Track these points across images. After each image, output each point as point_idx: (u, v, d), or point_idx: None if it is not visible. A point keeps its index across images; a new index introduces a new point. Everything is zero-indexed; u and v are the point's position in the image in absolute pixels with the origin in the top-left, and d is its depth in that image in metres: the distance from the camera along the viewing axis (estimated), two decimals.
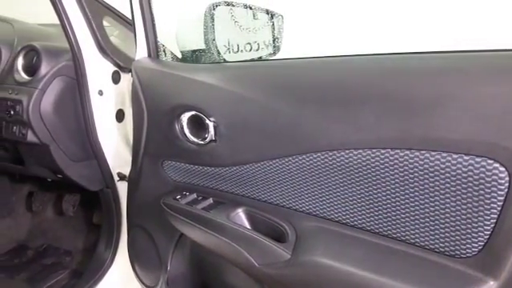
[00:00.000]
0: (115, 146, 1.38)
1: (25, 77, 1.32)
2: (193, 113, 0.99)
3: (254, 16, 1.17)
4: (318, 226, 0.86)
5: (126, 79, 1.36)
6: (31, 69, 1.32)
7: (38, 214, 2.03)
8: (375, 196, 0.77)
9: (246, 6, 1.15)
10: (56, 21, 1.24)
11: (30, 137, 1.30)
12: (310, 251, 0.81)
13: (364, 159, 0.76)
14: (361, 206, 0.80)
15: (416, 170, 0.71)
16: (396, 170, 0.73)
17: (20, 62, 1.35)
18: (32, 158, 1.44)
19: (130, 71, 1.21)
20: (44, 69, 1.29)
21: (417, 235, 0.75)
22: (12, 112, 1.28)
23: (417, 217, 0.74)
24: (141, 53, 1.15)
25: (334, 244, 0.82)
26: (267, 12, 1.15)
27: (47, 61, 1.30)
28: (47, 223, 2.01)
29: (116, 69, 1.34)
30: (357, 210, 0.81)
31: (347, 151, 0.77)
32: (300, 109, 0.83)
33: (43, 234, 1.99)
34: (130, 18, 1.15)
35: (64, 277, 1.72)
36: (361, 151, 0.76)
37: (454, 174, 0.68)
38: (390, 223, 0.77)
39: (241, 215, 0.96)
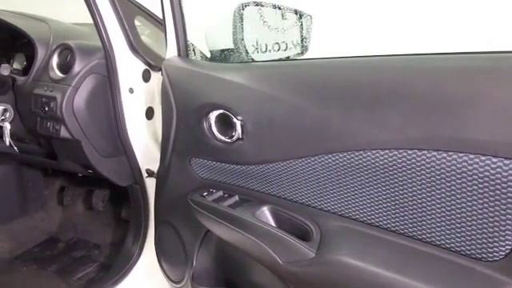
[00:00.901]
0: (144, 142, 1.41)
1: (59, 74, 1.36)
2: (221, 111, 1.01)
3: (282, 16, 1.18)
4: (342, 225, 0.86)
5: (156, 78, 1.38)
6: (65, 66, 1.35)
7: (69, 208, 2.08)
8: (401, 197, 0.77)
9: (274, 6, 1.15)
10: (88, 20, 1.28)
11: (63, 132, 1.33)
12: (335, 250, 0.82)
13: (390, 159, 0.76)
14: (386, 206, 0.80)
15: (443, 171, 0.70)
16: (423, 171, 0.73)
17: (55, 59, 1.39)
18: (64, 153, 1.48)
19: (160, 70, 1.23)
20: (77, 67, 1.32)
21: (442, 237, 0.74)
22: (46, 108, 1.32)
23: (443, 218, 0.73)
24: (171, 52, 1.17)
25: (359, 244, 0.82)
26: (296, 12, 1.16)
27: (81, 59, 1.33)
28: (77, 217, 2.06)
29: (146, 67, 1.37)
30: (382, 211, 0.80)
31: (374, 151, 0.77)
32: (327, 108, 0.83)
33: (73, 228, 2.04)
34: (161, 17, 1.18)
35: (92, 270, 1.77)
36: (387, 151, 0.76)
37: (481, 176, 0.67)
38: (415, 224, 0.77)
39: (266, 213, 0.97)
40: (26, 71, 1.49)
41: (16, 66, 1.57)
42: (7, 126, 1.46)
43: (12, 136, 1.48)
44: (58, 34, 1.47)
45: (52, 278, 1.74)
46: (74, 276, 1.73)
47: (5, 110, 1.46)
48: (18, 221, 1.95)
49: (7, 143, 1.48)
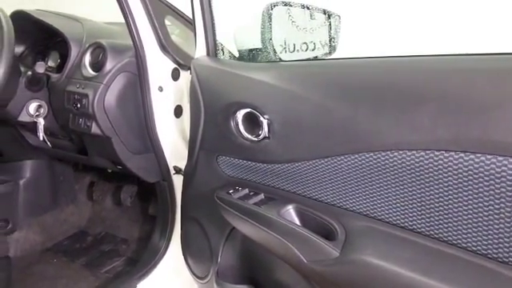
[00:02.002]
0: (172, 140, 1.43)
1: (91, 72, 1.40)
2: (248, 110, 1.02)
3: (311, 16, 1.18)
4: (367, 225, 0.86)
5: (185, 76, 1.40)
6: (97, 65, 1.39)
7: (98, 203, 2.13)
8: (427, 198, 0.76)
9: (303, 6, 1.16)
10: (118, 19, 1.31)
11: (94, 129, 1.36)
12: (359, 250, 0.82)
13: (417, 160, 0.75)
14: (412, 207, 0.79)
15: (470, 173, 0.70)
16: (450, 173, 0.72)
17: (87, 58, 1.42)
18: (95, 149, 1.52)
19: (189, 69, 1.25)
20: (109, 65, 1.35)
21: (469, 239, 0.73)
22: (79, 105, 1.36)
23: (469, 221, 0.72)
24: (200, 51, 1.19)
25: (384, 244, 0.82)
26: (324, 12, 1.16)
27: (112, 57, 1.36)
28: (106, 212, 2.11)
29: (176, 66, 1.39)
30: (408, 212, 0.80)
31: (401, 152, 0.77)
32: (354, 108, 0.83)
33: (102, 222, 2.09)
34: (191, 17, 1.19)
35: (120, 263, 1.81)
36: (414, 152, 0.75)
37: (510, 178, 0.66)
38: (441, 226, 0.76)
39: (291, 212, 0.97)
40: (59, 69, 1.53)
41: (50, 63, 1.61)
42: (41, 121, 1.50)
43: (45, 131, 1.53)
44: (90, 32, 1.50)
45: (81, 270, 1.78)
46: (102, 269, 1.77)
47: (39, 106, 1.50)
48: (49, 214, 2.00)
49: (41, 138, 1.52)
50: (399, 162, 0.78)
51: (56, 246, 1.96)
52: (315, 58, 1.17)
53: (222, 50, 1.19)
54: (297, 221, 0.96)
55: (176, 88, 1.41)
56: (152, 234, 1.60)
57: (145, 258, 1.56)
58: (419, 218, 0.79)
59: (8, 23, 1.30)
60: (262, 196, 1.04)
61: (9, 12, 1.42)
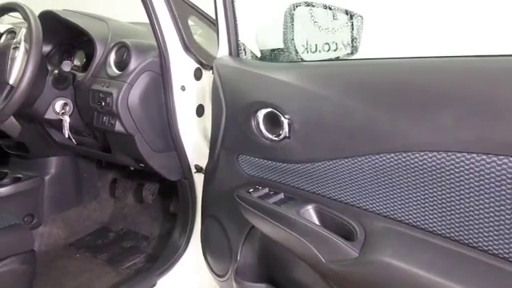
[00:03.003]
0: (194, 139, 1.45)
1: (116, 71, 1.42)
2: (269, 110, 1.02)
3: (333, 16, 1.18)
4: (387, 226, 0.86)
5: (208, 76, 1.41)
6: (122, 64, 1.41)
7: (120, 200, 2.16)
8: (448, 200, 0.76)
9: (325, 7, 1.16)
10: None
11: (118, 127, 1.39)
12: (379, 251, 0.82)
13: (439, 162, 0.75)
14: (433, 209, 0.79)
15: (493, 175, 0.69)
16: (471, 175, 0.72)
17: (112, 57, 1.44)
18: (118, 147, 1.55)
19: (211, 68, 1.27)
20: (133, 64, 1.37)
21: (490, 242, 0.72)
22: (103, 103, 1.38)
23: (491, 224, 0.72)
24: (222, 51, 1.20)
25: (403, 245, 0.81)
26: (346, 12, 1.16)
27: (136, 57, 1.38)
28: (128, 209, 2.14)
29: (198, 66, 1.41)
30: (428, 213, 0.80)
31: (422, 153, 0.77)
32: (375, 109, 0.83)
33: (124, 219, 2.12)
34: (214, 17, 1.21)
35: (140, 260, 1.83)
36: (436, 154, 0.75)
37: None
38: (462, 228, 0.75)
39: (310, 211, 0.97)
40: (85, 68, 1.56)
41: (76, 62, 1.64)
42: (67, 119, 1.53)
43: (70, 129, 1.55)
44: (115, 32, 1.53)
45: (102, 265, 1.82)
46: (123, 265, 1.79)
47: (65, 104, 1.53)
48: (73, 210, 2.04)
49: (66, 135, 1.55)
50: (420, 163, 0.77)
51: (79, 241, 2.00)
52: (337, 59, 1.17)
53: (244, 49, 1.20)
54: (316, 221, 0.97)
55: (198, 87, 1.42)
56: (172, 231, 1.62)
57: (165, 254, 1.58)
58: (440, 219, 0.78)
59: (36, 23, 1.33)
60: (281, 195, 1.05)
61: (37, 12, 1.45)
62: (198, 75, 1.41)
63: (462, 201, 0.74)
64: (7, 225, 1.17)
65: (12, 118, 1.66)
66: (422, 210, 0.80)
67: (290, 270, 1.14)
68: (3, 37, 1.73)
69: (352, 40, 1.16)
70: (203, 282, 1.49)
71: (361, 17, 1.13)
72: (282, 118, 0.99)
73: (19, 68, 1.35)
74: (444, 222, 0.78)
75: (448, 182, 0.75)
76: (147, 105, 1.40)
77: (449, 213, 0.77)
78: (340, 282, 0.92)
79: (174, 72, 1.36)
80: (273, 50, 1.21)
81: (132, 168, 1.84)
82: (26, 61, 1.31)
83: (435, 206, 0.78)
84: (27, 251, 1.20)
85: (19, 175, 1.90)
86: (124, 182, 2.17)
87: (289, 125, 0.98)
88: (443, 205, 0.77)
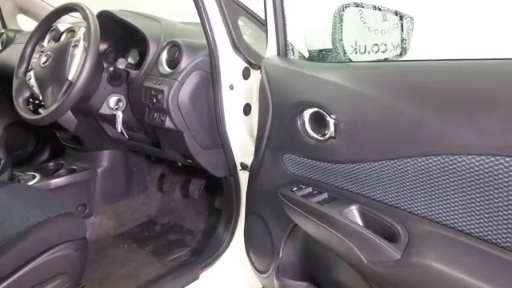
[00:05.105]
0: (240, 137, 1.47)
1: (167, 69, 1.46)
2: (315, 109, 1.03)
3: (383, 17, 1.17)
4: (431, 230, 0.85)
5: (255, 75, 1.44)
6: (173, 62, 1.45)
7: (167, 194, 2.22)
8: (495, 205, 0.74)
9: (375, 8, 1.15)
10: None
11: (168, 123, 1.43)
12: (422, 254, 0.81)
13: (487, 166, 0.73)
14: (479, 214, 0.77)
15: None
16: None
17: (164, 55, 1.49)
18: (167, 143, 1.59)
19: (259, 68, 1.29)
20: (184, 63, 1.41)
21: None
22: (154, 100, 1.42)
23: None
24: (271, 51, 1.22)
25: (447, 249, 0.80)
26: (396, 13, 1.15)
27: (187, 56, 1.42)
28: (174, 203, 2.20)
29: (247, 65, 1.43)
30: (474, 218, 0.78)
31: (469, 157, 0.76)
32: (422, 111, 0.82)
33: (170, 213, 2.18)
34: (263, 18, 1.23)
35: (185, 253, 1.88)
36: (483, 157, 0.74)
37: None
38: (509, 235, 0.73)
39: (354, 212, 0.97)
40: (138, 65, 1.61)
41: (130, 60, 1.69)
42: (120, 114, 1.58)
43: (123, 124, 1.60)
44: (168, 32, 1.57)
45: (148, 257, 1.87)
46: (168, 257, 1.84)
47: (119, 100, 1.58)
48: (122, 202, 2.11)
49: (119, 130, 1.61)
50: (467, 166, 0.76)
51: (127, 232, 2.08)
52: (385, 60, 1.16)
53: (293, 50, 1.21)
54: (359, 221, 0.97)
55: (246, 86, 1.44)
56: (217, 226, 1.65)
57: (209, 249, 1.62)
58: (486, 225, 0.77)
59: (95, 22, 1.39)
60: (325, 195, 1.05)
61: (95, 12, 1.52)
62: (246, 74, 1.44)
63: (510, 206, 0.73)
64: (62, 212, 1.24)
65: (69, 112, 1.74)
66: (468, 214, 0.79)
67: (331, 269, 1.14)
68: (63, 35, 1.82)
69: (401, 41, 1.14)
70: (245, 277, 1.52)
71: (411, 18, 1.12)
72: (328, 118, 0.99)
73: (78, 65, 1.41)
74: (490, 228, 0.76)
75: (496, 186, 0.73)
76: (196, 102, 1.43)
77: (496, 218, 0.75)
78: (381, 283, 0.91)
79: (223, 71, 1.39)
80: (321, 51, 1.21)
81: (180, 164, 1.89)
82: (84, 58, 1.37)
83: (482, 211, 0.77)
84: (80, 238, 1.26)
85: (74, 167, 1.99)
86: (172, 177, 2.23)
87: (335, 125, 0.99)
88: (490, 210, 0.75)
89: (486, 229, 0.77)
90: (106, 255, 1.88)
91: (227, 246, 1.59)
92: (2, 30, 2.37)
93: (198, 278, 1.54)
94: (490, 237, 0.77)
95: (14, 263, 1.10)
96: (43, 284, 1.16)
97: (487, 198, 0.75)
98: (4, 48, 2.24)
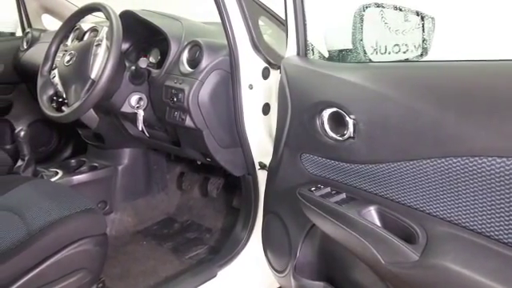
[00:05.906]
0: (259, 136, 1.48)
1: (188, 69, 1.47)
2: (334, 109, 1.03)
3: (404, 18, 1.17)
4: (450, 231, 0.84)
5: (275, 75, 1.44)
6: (194, 62, 1.46)
7: (186, 193, 2.24)
8: None
9: (396, 8, 1.15)
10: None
11: (188, 122, 1.44)
12: (440, 255, 0.80)
13: (507, 168, 0.73)
14: (499, 216, 0.76)
15: None
16: None
17: (185, 55, 1.50)
18: (187, 141, 1.61)
19: (278, 68, 1.29)
20: (204, 62, 1.42)
21: None
22: (175, 99, 1.44)
23: None
24: (290, 51, 1.22)
25: (466, 252, 0.80)
26: (417, 13, 1.14)
27: (208, 55, 1.43)
28: (193, 201, 2.21)
29: (266, 65, 1.44)
30: (494, 221, 0.77)
31: (490, 158, 0.75)
32: (442, 112, 0.82)
33: (189, 211, 2.19)
34: (283, 18, 1.23)
35: (203, 251, 1.89)
36: (505, 159, 0.73)
37: None
38: None
39: (372, 213, 0.97)
40: (159, 65, 1.62)
41: (152, 59, 1.71)
42: (141, 113, 1.60)
43: (144, 122, 1.62)
44: (189, 31, 1.58)
45: (167, 254, 1.89)
46: (186, 255, 1.86)
47: (140, 99, 1.60)
48: (142, 199, 2.14)
49: (140, 128, 1.63)
50: (488, 168, 0.75)
51: (146, 229, 2.10)
52: (406, 60, 1.15)
53: (312, 50, 1.21)
54: (377, 222, 0.96)
55: (265, 86, 1.45)
56: (235, 225, 1.66)
57: (227, 247, 1.62)
58: (507, 228, 0.76)
59: (117, 22, 1.42)
60: (343, 195, 1.05)
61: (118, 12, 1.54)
62: (265, 74, 1.44)
63: None
64: (84, 208, 1.26)
65: (91, 110, 1.78)
66: (488, 216, 0.78)
67: (349, 269, 1.14)
68: (87, 34, 1.86)
69: (422, 41, 1.14)
70: (262, 276, 1.52)
71: (432, 18, 1.11)
72: (347, 118, 0.99)
73: (100, 64, 1.44)
74: (511, 230, 0.75)
75: None
76: (216, 102, 1.44)
77: None
78: (399, 284, 0.91)
79: (243, 71, 1.40)
80: (341, 51, 1.21)
81: (199, 162, 1.90)
82: (106, 57, 1.40)
83: (502, 214, 0.76)
84: (101, 234, 1.28)
85: (95, 164, 2.02)
86: (191, 175, 2.24)
87: (354, 125, 0.98)
88: (510, 212, 0.74)
89: (506, 231, 0.76)
90: (125, 252, 1.90)
91: (245, 245, 1.59)
92: (28, 30, 2.42)
93: (215, 276, 1.55)
94: (510, 239, 0.76)
95: (37, 257, 1.13)
96: (64, 278, 1.18)
97: (507, 200, 0.75)
98: (29, 47, 2.29)
